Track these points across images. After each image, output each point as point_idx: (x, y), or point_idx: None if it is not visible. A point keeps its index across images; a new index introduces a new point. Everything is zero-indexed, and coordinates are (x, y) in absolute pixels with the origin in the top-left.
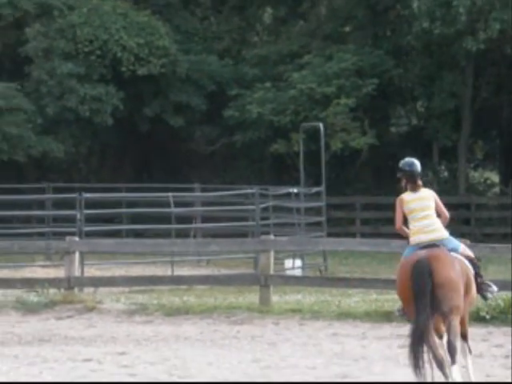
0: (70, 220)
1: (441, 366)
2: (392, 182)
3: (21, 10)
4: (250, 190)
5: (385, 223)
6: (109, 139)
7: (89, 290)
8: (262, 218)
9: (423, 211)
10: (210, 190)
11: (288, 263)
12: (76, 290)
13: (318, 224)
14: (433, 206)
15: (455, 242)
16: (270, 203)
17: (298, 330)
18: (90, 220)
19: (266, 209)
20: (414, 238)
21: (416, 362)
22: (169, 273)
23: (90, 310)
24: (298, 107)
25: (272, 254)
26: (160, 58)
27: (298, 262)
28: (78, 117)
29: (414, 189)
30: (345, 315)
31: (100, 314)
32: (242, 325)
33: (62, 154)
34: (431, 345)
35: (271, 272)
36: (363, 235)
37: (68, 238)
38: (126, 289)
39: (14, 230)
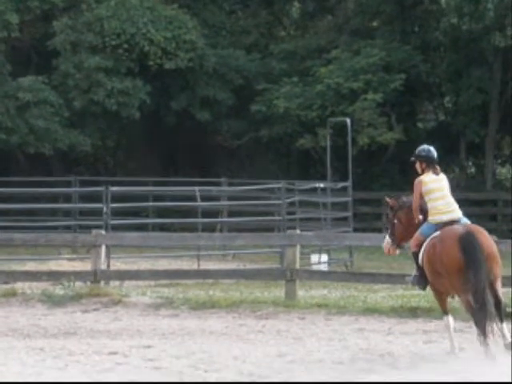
0: (97, 213)
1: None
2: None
3: (48, 2)
4: (276, 185)
5: None
6: (136, 133)
7: (115, 283)
8: (288, 213)
9: (441, 191)
10: (237, 185)
11: (314, 258)
12: (102, 283)
13: (345, 219)
14: (448, 186)
15: (467, 222)
16: (296, 198)
17: (323, 324)
18: (116, 213)
19: (292, 203)
20: (435, 218)
21: (485, 325)
22: (195, 267)
23: (116, 303)
24: (325, 102)
25: (298, 248)
26: (187, 52)
27: (324, 257)
28: (105, 110)
29: (436, 172)
30: (371, 310)
31: (126, 308)
32: (268, 319)
33: (89, 148)
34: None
35: (297, 266)
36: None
37: (94, 231)
38: (152, 282)
39: (41, 223)
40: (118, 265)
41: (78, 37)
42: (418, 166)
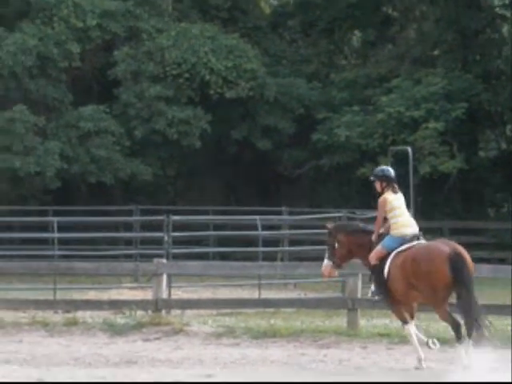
0: (158, 242)
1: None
2: (481, 207)
3: (110, 32)
4: (337, 214)
5: (474, 248)
6: (196, 162)
7: (176, 312)
8: None
9: (401, 208)
10: (298, 214)
11: None
12: (163, 312)
13: None
14: (404, 204)
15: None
16: None
17: (385, 354)
18: (177, 242)
19: None
20: (401, 231)
21: (480, 328)
22: (256, 295)
23: (177, 332)
24: (386, 131)
25: (360, 277)
26: (248, 80)
27: None
28: (165, 139)
29: (394, 191)
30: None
31: (187, 337)
32: (329, 348)
33: (150, 177)
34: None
35: (359, 296)
36: None
37: (155, 260)
38: (213, 311)
39: (102, 252)
40: (179, 294)
41: (138, 66)
42: (377, 185)
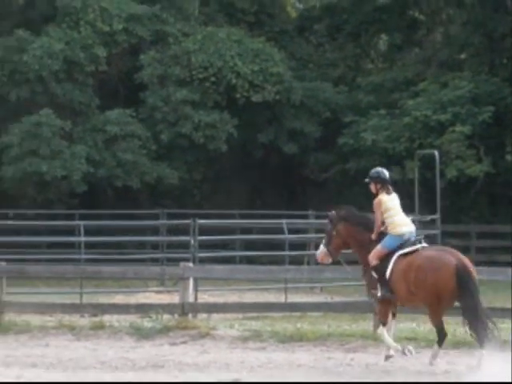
0: (184, 246)
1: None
2: (508, 210)
3: (136, 36)
4: None
5: (501, 252)
6: (223, 165)
7: (202, 316)
8: None
9: (396, 209)
10: (324, 217)
11: None
12: (190, 315)
13: None
14: (399, 204)
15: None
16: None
17: (412, 358)
18: (203, 246)
19: None
20: (398, 230)
21: (487, 333)
22: (282, 299)
23: (204, 336)
24: (413, 134)
25: None
26: (274, 84)
27: None
28: (192, 143)
29: (388, 192)
30: (461, 344)
31: (214, 341)
32: (356, 352)
33: (176, 181)
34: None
35: None
36: (478, 264)
37: (182, 263)
38: (240, 315)
39: (129, 256)
40: (205, 297)
41: (165, 70)
42: (372, 187)
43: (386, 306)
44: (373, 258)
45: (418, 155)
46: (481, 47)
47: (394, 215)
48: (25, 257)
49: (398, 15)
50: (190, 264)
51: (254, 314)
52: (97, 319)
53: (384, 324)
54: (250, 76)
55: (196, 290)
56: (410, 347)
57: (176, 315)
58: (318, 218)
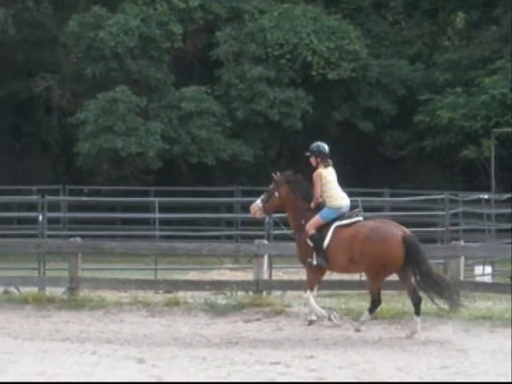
0: (259, 223)
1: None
2: None
3: (212, 13)
4: (439, 196)
5: None
6: (298, 143)
7: (277, 293)
8: (452, 224)
9: (334, 182)
10: (399, 195)
11: (478, 270)
12: (264, 293)
13: (509, 231)
14: (336, 177)
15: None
16: (460, 209)
17: (488, 337)
18: (278, 223)
19: (455, 215)
20: (336, 203)
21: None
22: (356, 277)
23: (279, 313)
24: (490, 113)
25: (462, 260)
26: (350, 62)
27: (488, 269)
28: (267, 120)
29: (327, 165)
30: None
31: (288, 318)
32: (431, 331)
33: (251, 158)
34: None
35: (461, 278)
36: None
37: (257, 241)
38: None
39: (204, 233)
40: (279, 275)
41: (240, 47)
42: (312, 160)
43: (317, 274)
44: (310, 227)
45: (494, 133)
46: None
47: (332, 189)
48: (100, 233)
49: None
50: (265, 241)
51: (329, 292)
52: (171, 296)
53: (312, 289)
54: (326, 53)
55: (270, 267)
56: (335, 313)
57: (250, 292)
58: (393, 195)
